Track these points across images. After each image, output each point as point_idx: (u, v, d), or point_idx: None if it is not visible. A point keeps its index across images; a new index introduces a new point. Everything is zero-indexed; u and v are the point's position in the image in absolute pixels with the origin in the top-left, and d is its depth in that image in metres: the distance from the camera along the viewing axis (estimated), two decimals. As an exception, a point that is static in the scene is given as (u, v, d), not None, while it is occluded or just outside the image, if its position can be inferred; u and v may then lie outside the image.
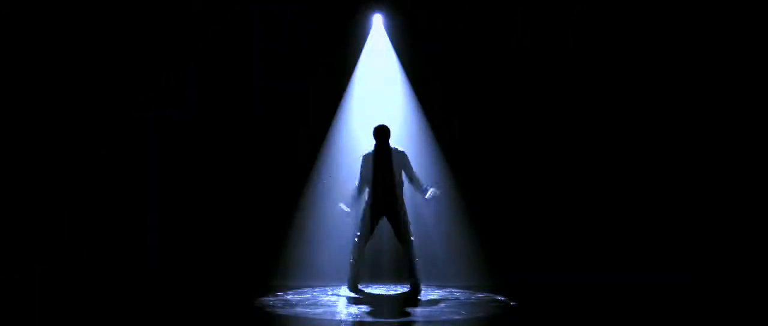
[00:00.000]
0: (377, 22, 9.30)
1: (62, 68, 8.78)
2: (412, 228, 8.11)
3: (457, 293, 8.10)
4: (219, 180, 8.96)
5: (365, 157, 8.18)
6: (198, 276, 8.48)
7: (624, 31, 8.95)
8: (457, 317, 6.92)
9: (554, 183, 8.99)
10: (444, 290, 8.24)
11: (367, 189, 8.12)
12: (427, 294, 8.05)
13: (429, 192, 8.07)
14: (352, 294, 8.01)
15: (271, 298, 7.73)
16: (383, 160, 8.11)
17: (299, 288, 8.31)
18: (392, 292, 8.26)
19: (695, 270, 8.35)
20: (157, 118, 8.87)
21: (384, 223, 8.15)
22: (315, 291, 8.16)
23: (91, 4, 8.83)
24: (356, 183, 8.18)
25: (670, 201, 8.81)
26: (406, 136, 8.96)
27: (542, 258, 8.71)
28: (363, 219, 8.11)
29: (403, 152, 8.21)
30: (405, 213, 8.09)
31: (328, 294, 8.01)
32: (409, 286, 8.10)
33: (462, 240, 8.93)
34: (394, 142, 8.26)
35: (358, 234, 8.09)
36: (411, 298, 7.85)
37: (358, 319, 6.92)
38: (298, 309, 7.22)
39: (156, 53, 8.91)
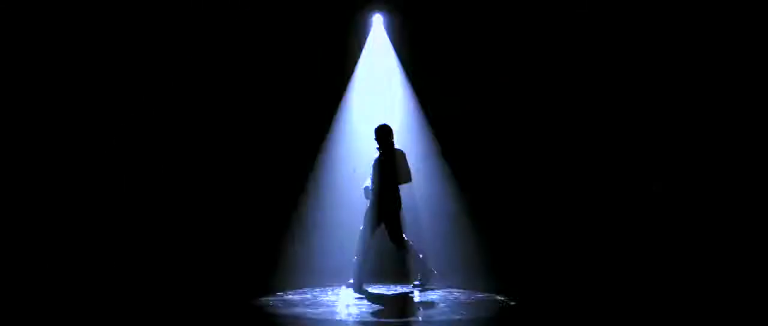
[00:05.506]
0: (377, 22, 9.30)
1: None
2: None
3: (456, 293, 8.06)
4: (218, 180, 8.94)
5: (375, 161, 8.12)
6: (197, 277, 8.36)
7: (630, 33, 8.86)
8: (457, 317, 6.88)
9: (556, 183, 8.95)
10: (443, 290, 8.17)
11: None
12: (427, 294, 8.02)
13: None
14: (355, 294, 7.96)
15: (270, 298, 7.68)
16: (386, 163, 8.06)
17: (300, 288, 8.23)
18: (393, 292, 8.21)
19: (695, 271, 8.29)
20: (154, 116, 8.85)
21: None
22: (315, 291, 8.11)
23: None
24: (369, 184, 8.15)
25: (673, 203, 8.72)
26: (407, 135, 8.98)
27: (544, 258, 8.69)
28: (366, 218, 8.09)
29: (402, 152, 8.17)
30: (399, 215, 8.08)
31: (328, 294, 7.96)
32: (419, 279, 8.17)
33: (461, 240, 8.95)
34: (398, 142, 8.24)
35: (363, 233, 8.05)
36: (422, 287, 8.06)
37: (358, 319, 6.88)
38: (298, 310, 7.17)
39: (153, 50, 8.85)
